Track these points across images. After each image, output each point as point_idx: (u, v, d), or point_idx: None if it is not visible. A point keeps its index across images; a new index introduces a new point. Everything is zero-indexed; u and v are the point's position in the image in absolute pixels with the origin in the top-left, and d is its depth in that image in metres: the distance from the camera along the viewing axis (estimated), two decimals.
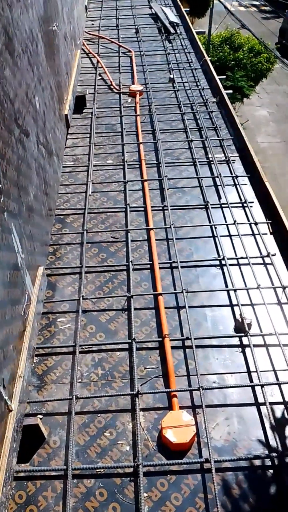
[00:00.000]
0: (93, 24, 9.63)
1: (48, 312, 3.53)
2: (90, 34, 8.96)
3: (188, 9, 11.51)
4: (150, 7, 10.33)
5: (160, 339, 3.26)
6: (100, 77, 7.31)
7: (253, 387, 2.97)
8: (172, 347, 3.22)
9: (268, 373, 3.06)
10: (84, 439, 2.76)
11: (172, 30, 8.88)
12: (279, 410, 2.85)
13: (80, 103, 6.39)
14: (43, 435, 2.73)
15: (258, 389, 2.95)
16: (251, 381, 3.02)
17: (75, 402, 2.87)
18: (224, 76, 10.42)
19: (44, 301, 3.57)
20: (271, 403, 2.86)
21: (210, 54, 17.16)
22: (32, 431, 2.67)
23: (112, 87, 6.96)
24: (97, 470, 2.59)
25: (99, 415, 2.88)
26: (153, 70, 7.47)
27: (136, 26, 9.22)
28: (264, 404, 2.84)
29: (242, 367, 3.12)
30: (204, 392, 2.89)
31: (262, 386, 2.91)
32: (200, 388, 2.87)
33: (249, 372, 3.08)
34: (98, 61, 7.69)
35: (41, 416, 2.86)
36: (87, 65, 7.76)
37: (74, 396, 2.87)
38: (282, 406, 2.87)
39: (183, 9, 10.04)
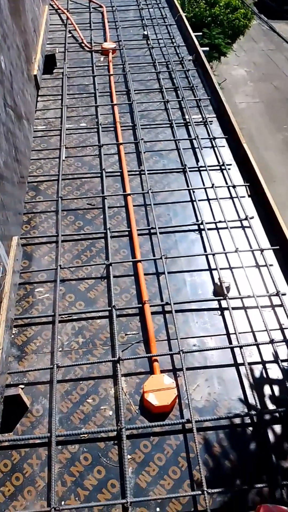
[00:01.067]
0: None
1: (26, 282, 3.47)
2: None
3: None
4: None
5: (140, 305, 3.25)
6: (70, 35, 6.94)
7: (232, 348, 3.03)
8: (152, 313, 3.23)
9: (246, 335, 3.11)
10: (67, 406, 2.78)
11: None
12: (257, 370, 2.92)
13: (50, 63, 6.07)
14: (26, 404, 2.73)
15: (237, 350, 3.00)
16: (230, 343, 3.07)
17: (57, 371, 2.87)
18: (201, 33, 10.05)
19: (21, 271, 3.50)
20: (249, 363, 2.92)
21: (185, 9, 16.45)
22: (14, 401, 2.67)
23: (83, 45, 6.62)
24: (81, 436, 2.63)
25: (81, 382, 2.89)
26: (126, 26, 7.13)
27: None
28: (243, 364, 2.90)
29: (222, 329, 3.15)
30: (185, 355, 2.93)
31: (240, 347, 2.96)
32: (181, 352, 2.90)
33: (228, 334, 3.12)
34: (67, 18, 7.27)
35: (22, 386, 2.85)
36: (56, 22, 7.34)
37: (56, 365, 2.87)
38: (260, 366, 2.93)
39: None
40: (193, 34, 6.54)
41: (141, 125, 4.98)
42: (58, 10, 7.66)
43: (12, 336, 3.11)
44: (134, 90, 5.53)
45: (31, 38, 5.14)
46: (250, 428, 2.66)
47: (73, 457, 2.57)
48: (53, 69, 6.10)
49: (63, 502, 2.41)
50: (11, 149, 3.59)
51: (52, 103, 5.48)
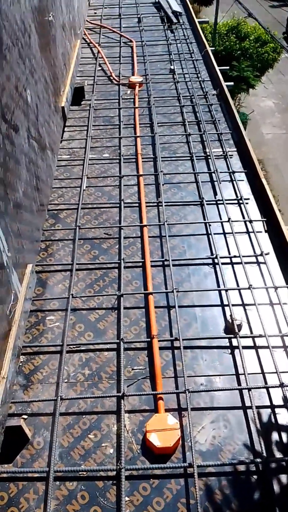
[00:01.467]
0: (95, 13, 9.47)
1: (38, 310, 3.50)
2: (91, 23, 8.81)
3: None
4: None
5: (149, 339, 3.22)
6: (100, 68, 7.20)
7: (240, 390, 2.93)
8: (161, 348, 3.19)
9: (256, 376, 3.02)
10: (68, 440, 2.74)
11: (174, 20, 8.70)
12: (265, 414, 2.81)
13: (78, 95, 6.29)
14: (27, 436, 2.71)
15: (245, 392, 2.91)
16: (239, 384, 2.98)
17: (60, 403, 2.85)
18: (227, 67, 10.23)
19: (34, 298, 3.54)
20: (258, 407, 2.82)
21: (216, 43, 16.89)
22: (16, 432, 2.65)
23: (111, 78, 6.85)
24: (80, 473, 2.57)
25: (84, 416, 2.85)
26: (154, 60, 7.34)
27: (139, 15, 9.06)
28: (250, 407, 2.80)
29: (231, 369, 3.07)
30: (191, 394, 2.86)
31: (249, 389, 2.87)
32: (186, 391, 2.83)
33: (237, 374, 3.04)
34: (98, 51, 7.57)
35: (25, 417, 2.84)
36: (87, 55, 7.64)
37: (59, 397, 2.85)
38: (269, 410, 2.83)
39: None
40: (218, 69, 6.67)
41: (162, 157, 5.05)
42: (90, 44, 7.99)
43: (20, 364, 3.13)
44: (158, 123, 5.65)
45: (60, 72, 5.36)
46: (255, 476, 2.55)
47: (70, 494, 2.51)
48: (81, 100, 6.31)
49: None
50: (32, 179, 3.70)
51: (78, 133, 5.65)
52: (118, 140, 5.41)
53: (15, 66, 3.31)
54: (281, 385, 2.86)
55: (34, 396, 2.95)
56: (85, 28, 8.44)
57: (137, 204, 4.47)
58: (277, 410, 2.83)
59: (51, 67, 4.81)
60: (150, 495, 2.50)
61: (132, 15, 9.24)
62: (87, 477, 2.57)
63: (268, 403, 2.87)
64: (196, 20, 8.70)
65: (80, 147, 5.35)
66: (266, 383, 2.98)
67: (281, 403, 2.84)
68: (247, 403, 2.85)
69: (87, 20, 8.80)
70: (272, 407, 2.85)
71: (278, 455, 2.61)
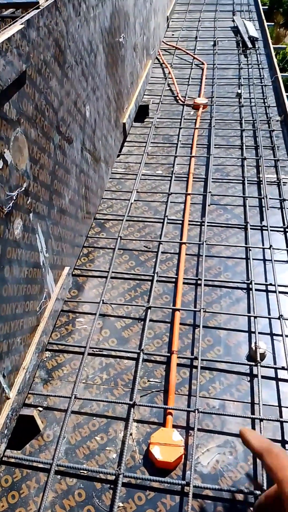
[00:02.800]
0: (173, 35, 9.81)
1: (70, 310, 3.69)
2: (167, 44, 9.14)
3: (272, 23, 11.29)
4: (233, 20, 10.29)
5: (169, 354, 3.27)
6: (168, 88, 7.44)
7: (253, 419, 2.88)
8: (179, 365, 3.22)
9: (272, 408, 2.95)
10: (76, 438, 2.86)
11: (249, 45, 8.77)
12: None
13: (143, 112, 6.55)
14: (39, 427, 2.86)
15: (257, 422, 2.85)
16: (253, 413, 2.93)
17: (74, 402, 2.98)
18: None
19: (68, 300, 3.73)
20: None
21: None
22: (28, 422, 2.81)
23: (177, 98, 7.05)
24: (81, 471, 2.67)
25: (94, 418, 2.96)
26: (222, 84, 7.44)
27: (215, 39, 9.24)
28: None
29: (247, 397, 3.03)
30: (200, 415, 2.86)
31: (261, 420, 2.81)
32: (196, 410, 2.84)
33: (252, 403, 2.99)
34: (169, 72, 7.82)
35: (40, 409, 3.00)
36: (158, 75, 7.93)
37: (74, 395, 2.98)
38: (278, 445, 2.74)
39: (265, 23, 9.88)
40: (285, 96, 6.62)
41: (213, 178, 5.11)
42: (163, 65, 8.28)
43: (44, 359, 3.31)
44: (215, 145, 5.72)
45: (126, 90, 5.64)
46: (251, 509, 2.48)
47: (69, 490, 2.61)
48: (145, 118, 6.56)
49: None
50: (81, 188, 3.93)
51: (136, 149, 5.88)
52: (173, 158, 5.55)
53: (76, 83, 3.57)
54: None
55: (51, 391, 3.11)
56: (160, 49, 8.77)
57: (180, 222, 4.55)
58: (287, 446, 2.74)
59: (116, 85, 5.09)
60: (144, 505, 2.53)
61: (209, 38, 9.45)
62: (87, 476, 2.66)
63: (279, 437, 2.79)
64: (272, 46, 8.71)
65: (136, 162, 5.56)
66: (281, 416, 2.90)
67: None
68: None
69: (163, 41, 9.13)
70: (283, 442, 2.76)
71: None
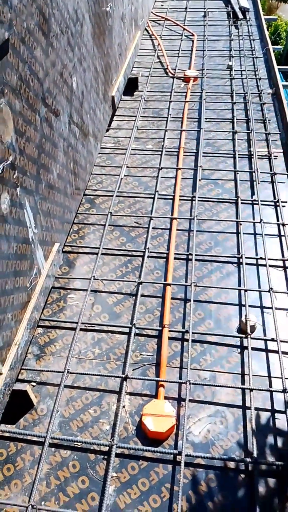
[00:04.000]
0: (162, 5, 9.52)
1: (61, 287, 3.67)
2: (156, 15, 8.87)
3: None
4: None
5: (160, 328, 3.29)
6: (158, 60, 7.26)
7: (243, 389, 2.93)
8: (171, 338, 3.25)
9: (261, 378, 3.00)
10: (70, 412, 2.89)
11: (240, 16, 8.55)
12: (264, 417, 2.80)
13: (132, 85, 6.40)
14: (32, 402, 2.88)
15: (247, 392, 2.90)
16: (243, 383, 2.97)
17: (67, 376, 3.00)
18: None
19: (58, 276, 3.71)
20: (257, 409, 2.81)
21: None
22: (21, 397, 2.83)
23: (167, 71, 6.89)
24: (75, 443, 2.71)
25: (87, 392, 2.99)
26: (213, 56, 7.28)
27: (205, 9, 8.98)
28: (249, 408, 2.79)
29: (237, 368, 3.07)
30: (191, 386, 2.90)
31: (251, 390, 2.86)
32: (188, 382, 2.87)
33: (242, 374, 3.03)
34: (158, 44, 7.62)
35: (34, 384, 3.02)
36: (147, 47, 7.72)
37: (67, 370, 3.00)
38: (268, 414, 2.81)
39: None
40: (276, 68, 6.50)
41: (203, 152, 5.05)
42: (152, 36, 8.06)
43: (37, 335, 3.31)
44: (206, 118, 5.63)
45: (114, 62, 5.48)
46: (242, 475, 2.55)
47: (63, 461, 2.66)
48: (134, 91, 6.41)
49: (43, 503, 2.50)
50: (69, 163, 3.86)
51: (126, 123, 5.77)
52: (164, 132, 5.46)
53: (62, 53, 3.46)
54: (284, 390, 2.82)
55: (44, 366, 3.12)
56: (149, 20, 8.52)
57: (171, 197, 4.51)
58: (276, 415, 2.80)
59: (104, 56, 4.95)
60: (137, 475, 2.59)
61: (199, 9, 9.19)
62: (81, 448, 2.70)
63: (268, 407, 2.84)
64: (263, 17, 8.50)
65: (125, 137, 5.46)
66: (270, 386, 2.95)
67: (282, 408, 2.81)
68: (247, 403, 2.85)
69: (152, 12, 8.86)
70: (272, 411, 2.82)
71: (269, 458, 2.59)
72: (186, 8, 9.23)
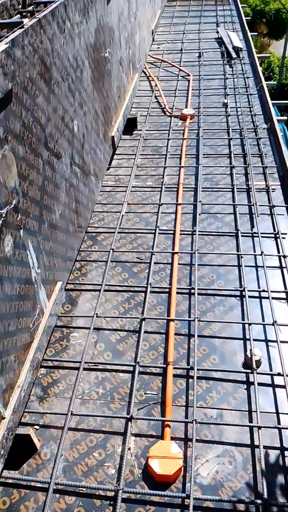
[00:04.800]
0: (158, 48, 9.95)
1: (64, 326, 3.67)
2: (153, 57, 9.26)
3: (256, 33, 11.50)
4: (217, 32, 10.46)
5: (165, 365, 3.25)
6: (155, 100, 7.52)
7: (251, 428, 2.87)
8: (176, 375, 3.21)
9: (269, 415, 2.94)
10: (74, 456, 2.83)
11: (234, 55, 8.91)
12: (273, 455, 2.72)
13: (131, 125, 6.60)
14: (35, 446, 2.83)
15: (255, 430, 2.84)
16: (250, 421, 2.91)
17: (71, 418, 2.95)
18: (287, 101, 10.20)
19: (61, 315, 3.72)
20: (266, 447, 2.74)
21: (283, 76, 16.88)
22: (24, 441, 2.78)
23: (165, 110, 7.12)
24: (80, 489, 2.64)
25: (92, 434, 2.93)
26: (208, 94, 7.54)
27: (200, 50, 9.38)
28: (258, 447, 2.73)
29: (244, 405, 3.02)
30: (198, 426, 2.84)
31: (259, 428, 2.80)
32: (194, 421, 2.82)
33: (249, 411, 2.97)
34: (156, 84, 7.91)
35: (37, 427, 2.97)
36: (145, 88, 8.01)
37: (70, 412, 2.95)
38: (277, 452, 2.73)
39: (249, 34, 10.04)
40: (271, 103, 6.71)
41: (202, 187, 5.15)
42: (149, 77, 8.38)
43: (40, 376, 3.28)
44: (203, 154, 5.78)
45: (113, 103, 5.69)
46: None
47: (68, 508, 2.57)
48: (133, 130, 6.62)
49: None
50: (71, 202, 3.94)
51: (126, 161, 5.92)
52: (163, 169, 5.59)
53: (63, 99, 3.61)
54: None
55: (48, 408, 3.08)
56: (146, 62, 8.88)
57: (172, 232, 4.57)
58: (286, 453, 2.73)
59: (104, 99, 5.14)
60: None
61: (194, 50, 9.60)
62: (86, 494, 2.62)
63: (277, 444, 2.77)
64: (256, 55, 8.85)
65: (125, 174, 5.59)
66: (278, 423, 2.89)
67: None
68: (256, 442, 2.78)
69: (148, 55, 9.25)
70: (282, 449, 2.75)
71: (280, 499, 2.51)
72: (181, 49, 9.65)
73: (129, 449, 2.80)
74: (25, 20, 3.10)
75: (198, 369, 3.17)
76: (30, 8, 4.57)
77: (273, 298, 3.68)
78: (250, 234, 4.48)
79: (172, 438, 2.83)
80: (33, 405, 3.10)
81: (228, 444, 2.81)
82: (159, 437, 2.87)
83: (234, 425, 2.85)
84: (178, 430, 2.90)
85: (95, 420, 3.00)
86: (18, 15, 4.35)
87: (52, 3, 3.84)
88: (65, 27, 3.66)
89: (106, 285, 3.96)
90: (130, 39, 6.87)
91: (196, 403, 2.98)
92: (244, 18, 11.35)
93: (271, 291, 3.73)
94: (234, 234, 4.49)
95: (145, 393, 3.13)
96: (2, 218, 2.53)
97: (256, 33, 12.38)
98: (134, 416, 2.92)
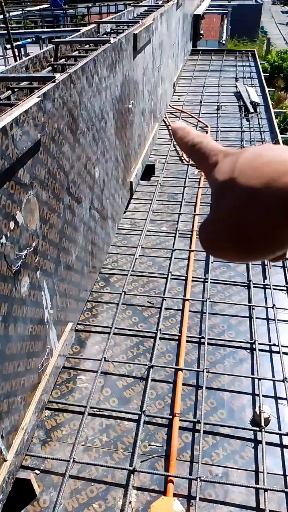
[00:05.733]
0: (179, 99, 10.39)
1: (71, 367, 3.66)
2: (173, 108, 9.66)
3: (273, 89, 11.98)
4: (236, 86, 10.93)
5: (171, 417, 3.20)
6: (173, 149, 7.78)
7: (257, 489, 2.77)
8: (181, 428, 3.14)
9: (276, 477, 2.84)
10: (73, 505, 2.74)
11: (251, 110, 9.26)
12: None
13: (149, 171, 6.82)
14: (35, 492, 2.76)
15: (261, 492, 2.74)
16: (257, 482, 2.82)
17: (72, 466, 2.89)
18: None
19: (69, 356, 3.71)
20: (271, 511, 2.63)
21: None
22: (24, 486, 2.72)
23: (182, 158, 7.35)
24: None
25: (93, 484, 2.85)
26: (225, 146, 7.73)
27: (218, 103, 9.77)
28: (264, 511, 2.62)
29: (251, 464, 2.93)
30: (202, 484, 2.76)
31: (265, 490, 2.70)
32: (198, 479, 2.74)
33: (256, 472, 2.88)
34: None
35: (38, 472, 2.91)
36: (164, 136, 8.32)
37: (72, 459, 2.90)
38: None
39: (266, 89, 10.47)
40: None
41: None
42: (169, 127, 8.71)
43: (44, 418, 3.25)
44: None
45: (133, 151, 5.91)
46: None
47: None
48: (151, 177, 6.82)
49: None
50: (87, 245, 4.04)
51: (142, 206, 6.07)
52: (178, 216, 5.71)
53: (87, 148, 3.78)
54: None
55: (49, 453, 3.02)
56: (166, 112, 9.27)
57: (184, 278, 4.61)
58: None
59: (125, 147, 5.35)
60: None
61: (213, 102, 10.00)
62: None
63: (284, 510, 2.66)
64: (272, 111, 9.18)
65: (141, 219, 5.72)
66: (286, 487, 2.79)
67: None
68: (261, 505, 2.67)
69: (169, 105, 9.67)
70: None
71: None
72: (200, 101, 10.06)
73: (130, 503, 2.72)
74: (57, 75, 3.31)
75: (205, 423, 3.11)
76: (62, 61, 4.90)
77: (283, 353, 3.64)
78: (262, 286, 4.49)
79: (175, 495, 2.74)
80: (35, 448, 3.05)
81: (232, 505, 2.70)
82: (162, 493, 2.78)
83: (240, 485, 2.76)
84: (181, 487, 2.81)
85: (97, 469, 2.93)
86: (50, 67, 4.66)
87: (82, 58, 4.12)
88: (93, 81, 3.89)
89: (116, 328, 3.97)
90: (153, 91, 7.23)
91: (202, 459, 2.90)
92: (262, 74, 11.89)
93: (282, 346, 3.70)
94: (246, 284, 4.51)
95: (149, 445, 3.06)
96: (21, 260, 2.61)
97: (273, 89, 12.89)
98: (137, 469, 2.85)
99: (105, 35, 6.41)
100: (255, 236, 0.52)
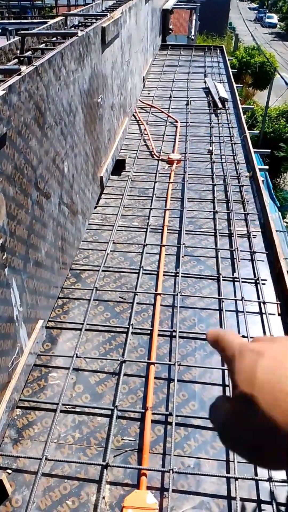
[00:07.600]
0: (148, 94, 10.37)
1: (43, 365, 3.62)
2: (143, 102, 9.64)
3: (241, 85, 12.14)
4: (204, 82, 11.01)
5: (143, 411, 3.22)
6: (144, 144, 7.78)
7: (228, 478, 2.83)
8: (154, 421, 3.17)
9: (247, 466, 2.91)
10: (46, 503, 2.73)
11: (220, 105, 9.36)
12: (250, 508, 2.68)
13: (120, 166, 6.79)
14: (7, 492, 2.72)
15: (232, 481, 2.81)
16: (228, 471, 2.88)
17: (45, 463, 2.86)
18: (269, 150, 10.68)
19: (40, 353, 3.67)
20: (242, 499, 2.70)
21: (266, 125, 17.75)
22: None
23: (153, 153, 7.36)
24: None
25: (66, 480, 2.84)
26: (195, 141, 7.85)
27: (188, 99, 9.82)
28: (234, 499, 2.69)
29: (222, 455, 2.99)
30: (174, 475, 2.80)
31: (236, 479, 2.77)
32: (171, 471, 2.78)
33: (227, 461, 2.95)
34: (145, 129, 8.21)
35: (9, 471, 2.87)
36: (134, 131, 8.30)
37: (45, 457, 2.87)
38: (254, 504, 2.69)
39: (234, 85, 10.60)
40: (253, 153, 7.02)
41: (186, 230, 5.28)
42: (139, 121, 8.70)
43: (15, 417, 3.20)
44: (188, 198, 5.96)
45: (103, 146, 5.87)
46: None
47: None
48: (122, 172, 6.80)
49: None
50: (57, 241, 3.99)
51: (113, 201, 6.05)
52: (149, 210, 5.72)
53: (55, 142, 3.72)
54: (270, 479, 2.75)
55: (21, 452, 2.99)
56: (136, 107, 9.24)
57: (155, 272, 4.63)
58: (262, 505, 2.69)
59: (94, 141, 5.30)
60: None
61: (182, 98, 10.04)
62: None
63: (254, 497, 2.74)
64: (241, 106, 9.31)
65: (112, 214, 5.70)
66: (256, 475, 2.86)
67: (268, 498, 2.71)
68: (232, 494, 2.74)
69: (139, 100, 9.64)
70: (258, 501, 2.71)
71: None
72: (170, 97, 10.08)
73: (103, 498, 2.73)
74: (23, 67, 3.24)
75: (177, 415, 3.15)
76: (28, 53, 4.79)
77: None
78: (231, 279, 4.57)
79: (148, 488, 2.77)
80: (6, 447, 3.01)
81: (205, 495, 2.76)
82: (135, 486, 2.80)
83: (212, 475, 2.82)
84: (154, 479, 2.84)
85: (70, 466, 2.92)
86: (16, 60, 4.55)
87: (49, 50, 4.04)
88: (60, 74, 3.83)
89: (87, 324, 3.95)
90: (122, 86, 7.18)
91: (174, 451, 2.94)
92: (230, 70, 12.02)
93: (251, 337, 3.78)
94: (216, 277, 4.58)
95: (122, 439, 3.08)
96: None
97: (241, 85, 13.07)
98: (110, 463, 2.86)
99: (72, 28, 6.31)
100: (268, 457, 0.55)
